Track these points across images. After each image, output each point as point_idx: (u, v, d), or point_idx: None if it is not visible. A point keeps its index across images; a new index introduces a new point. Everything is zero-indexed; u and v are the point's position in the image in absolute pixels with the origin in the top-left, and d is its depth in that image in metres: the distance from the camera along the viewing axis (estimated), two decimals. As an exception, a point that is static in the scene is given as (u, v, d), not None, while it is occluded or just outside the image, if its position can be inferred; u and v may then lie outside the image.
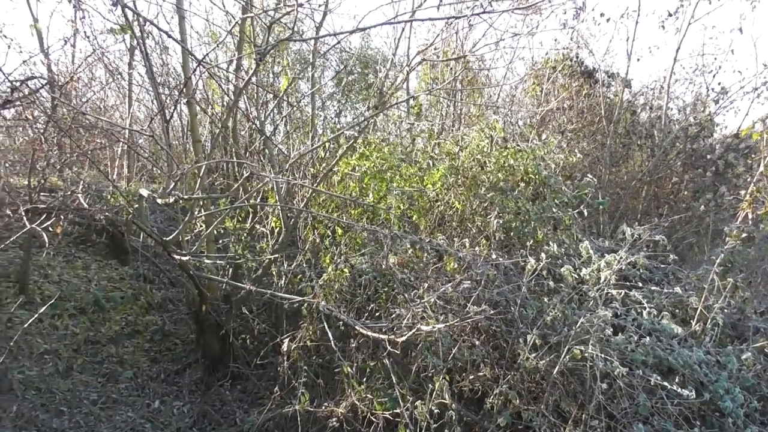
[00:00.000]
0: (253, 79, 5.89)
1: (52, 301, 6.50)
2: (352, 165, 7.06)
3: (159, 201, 4.05)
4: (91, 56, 7.22)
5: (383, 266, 4.82)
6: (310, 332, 4.59)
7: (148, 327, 7.24)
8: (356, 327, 3.94)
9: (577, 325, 4.03)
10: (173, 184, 3.98)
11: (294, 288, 6.33)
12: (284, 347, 4.46)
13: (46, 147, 6.74)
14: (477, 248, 5.73)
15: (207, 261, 5.30)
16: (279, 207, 6.46)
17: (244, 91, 6.41)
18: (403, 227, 6.28)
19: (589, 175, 5.75)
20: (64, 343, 6.35)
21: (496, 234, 5.77)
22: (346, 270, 4.93)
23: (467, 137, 6.58)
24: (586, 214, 5.78)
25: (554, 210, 5.81)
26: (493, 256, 5.48)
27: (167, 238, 4.68)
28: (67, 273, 7.53)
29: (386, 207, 6.02)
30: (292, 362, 4.59)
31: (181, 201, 4.07)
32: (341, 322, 4.26)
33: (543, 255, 4.90)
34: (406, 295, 4.67)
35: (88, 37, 6.31)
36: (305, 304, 4.73)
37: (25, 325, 5.97)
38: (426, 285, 4.46)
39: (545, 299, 4.71)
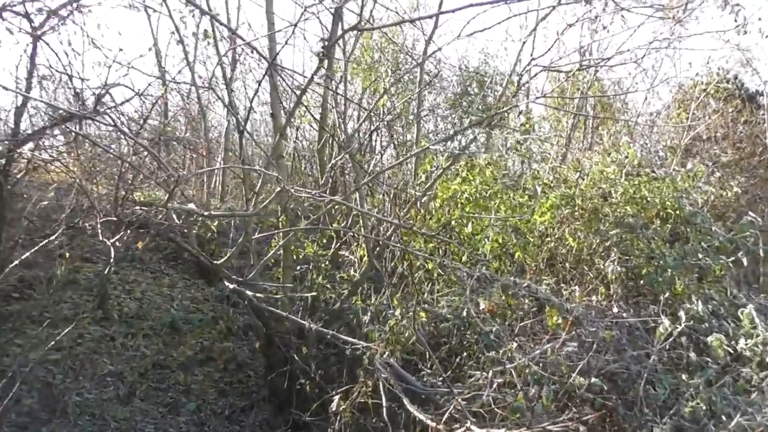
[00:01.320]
0: (319, 79, 5.23)
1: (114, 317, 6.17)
2: (452, 190, 6.16)
3: (202, 215, 3.43)
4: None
5: (469, 313, 3.85)
6: (368, 388, 3.71)
7: (223, 355, 6.73)
8: (405, 404, 3.01)
9: (732, 423, 2.80)
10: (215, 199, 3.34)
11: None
12: (334, 405, 3.62)
13: (134, 159, 6.52)
14: (593, 298, 4.57)
15: (264, 288, 4.62)
16: (362, 234, 5.70)
17: (332, 106, 5.79)
18: (505, 266, 5.26)
19: (751, 214, 4.40)
20: (131, 366, 5.97)
21: (620, 281, 4.58)
22: (423, 315, 4.01)
23: (589, 161, 5.44)
24: (745, 263, 4.42)
25: (700, 256, 4.51)
26: (614, 310, 4.31)
27: (218, 261, 4.05)
28: (152, 290, 7.27)
29: (480, 239, 5.04)
30: (345, 424, 3.73)
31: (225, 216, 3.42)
32: (397, 383, 3.34)
33: (682, 314, 3.69)
34: (489, 354, 3.67)
35: (181, 43, 6.01)
36: (368, 353, 3.86)
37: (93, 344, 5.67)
38: (514, 344, 3.42)
39: (683, 376, 3.48)
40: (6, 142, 5.38)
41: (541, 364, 3.52)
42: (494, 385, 3.41)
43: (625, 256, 4.62)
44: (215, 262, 4.04)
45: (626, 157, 5.50)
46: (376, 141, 7.94)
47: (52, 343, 5.48)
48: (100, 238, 5.75)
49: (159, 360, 6.20)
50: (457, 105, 9.96)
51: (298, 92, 4.53)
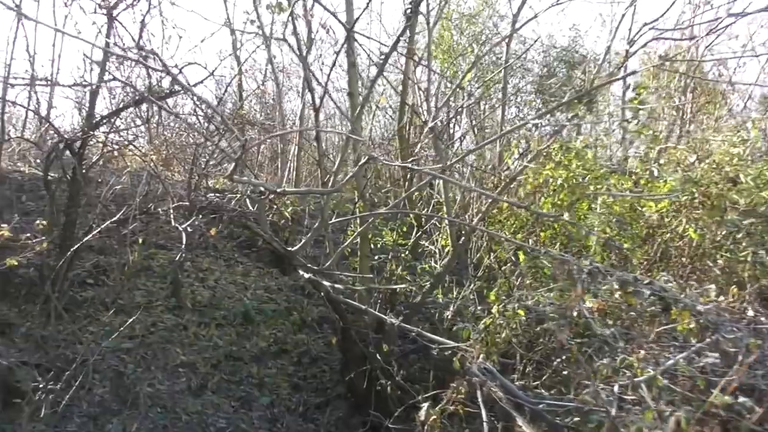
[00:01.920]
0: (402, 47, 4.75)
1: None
2: (544, 176, 5.58)
3: (274, 191, 3.05)
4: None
5: (574, 312, 3.31)
6: (460, 394, 3.23)
7: (297, 347, 6.42)
8: (518, 421, 2.51)
9: None
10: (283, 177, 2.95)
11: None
12: (422, 414, 3.16)
13: (209, 144, 6.29)
14: (721, 298, 3.91)
15: (341, 279, 4.22)
16: (447, 220, 5.23)
17: (413, 81, 5.33)
18: (608, 259, 4.65)
19: None
20: (203, 356, 5.75)
21: (754, 279, 3.89)
22: (521, 312, 3.50)
23: (711, 142, 4.73)
24: None
25: None
26: (749, 313, 3.65)
27: (293, 248, 3.68)
28: (225, 278, 7.06)
29: (587, 229, 4.46)
30: (433, 435, 3.27)
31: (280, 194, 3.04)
32: (501, 394, 2.85)
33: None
34: (605, 362, 3.12)
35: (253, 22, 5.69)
36: (458, 354, 3.40)
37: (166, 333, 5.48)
38: (642, 352, 2.86)
39: None
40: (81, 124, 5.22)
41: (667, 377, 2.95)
42: (615, 400, 2.87)
43: (760, 250, 3.93)
44: (289, 249, 3.67)
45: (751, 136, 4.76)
46: (454, 128, 7.40)
47: (125, 331, 5.37)
48: (173, 224, 5.53)
49: (232, 351, 5.96)
50: (545, 88, 9.24)
51: (376, 68, 4.11)
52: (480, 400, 2.86)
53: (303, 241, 3.69)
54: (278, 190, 2.93)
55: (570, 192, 5.26)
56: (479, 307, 4.45)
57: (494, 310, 3.39)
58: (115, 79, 5.21)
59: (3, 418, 4.32)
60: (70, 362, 4.98)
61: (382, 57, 3.67)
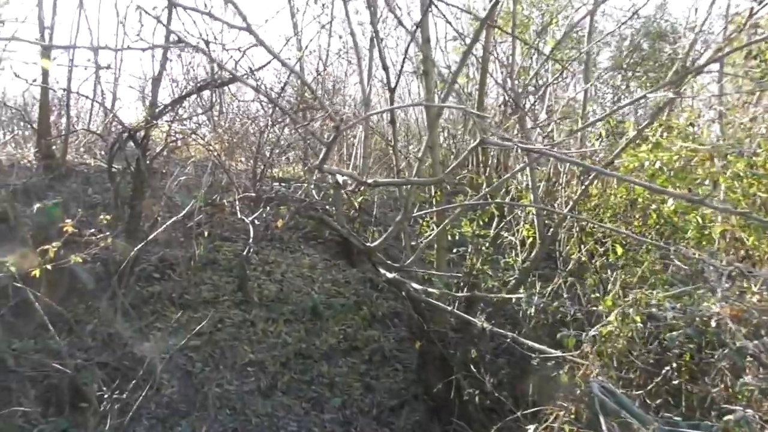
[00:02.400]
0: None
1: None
2: (641, 159, 5.01)
3: (364, 183, 2.68)
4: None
5: (709, 319, 2.80)
6: (573, 415, 2.78)
7: (368, 344, 6.08)
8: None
9: None
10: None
11: (547, 327, 4.58)
12: (529, 435, 2.73)
13: (273, 131, 6.00)
14: None
15: (420, 275, 3.82)
16: (534, 209, 4.74)
17: (495, 56, 4.83)
18: (728, 253, 4.06)
19: None
20: (272, 354, 5.48)
21: None
22: (637, 318, 3.00)
23: None
24: None
25: None
26: None
27: (372, 244, 3.30)
28: (292, 271, 6.77)
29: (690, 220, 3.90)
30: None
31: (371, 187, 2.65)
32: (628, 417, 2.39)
33: None
34: (750, 380, 2.61)
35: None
36: (566, 367, 2.94)
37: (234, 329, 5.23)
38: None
39: None
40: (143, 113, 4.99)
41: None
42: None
43: None
44: (368, 244, 3.29)
45: None
46: (538, 108, 6.82)
47: (192, 328, 5.17)
48: (239, 216, 5.27)
49: (301, 349, 5.67)
50: (630, 65, 8.48)
51: (456, 42, 3.66)
52: (604, 427, 2.40)
53: (384, 235, 3.30)
54: (369, 182, 2.53)
55: (674, 176, 4.68)
56: (576, 307, 3.95)
57: (612, 317, 2.90)
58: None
59: (70, 421, 4.16)
60: (137, 361, 4.80)
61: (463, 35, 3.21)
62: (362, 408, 5.32)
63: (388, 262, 3.53)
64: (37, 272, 3.97)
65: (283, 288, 6.40)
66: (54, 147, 7.29)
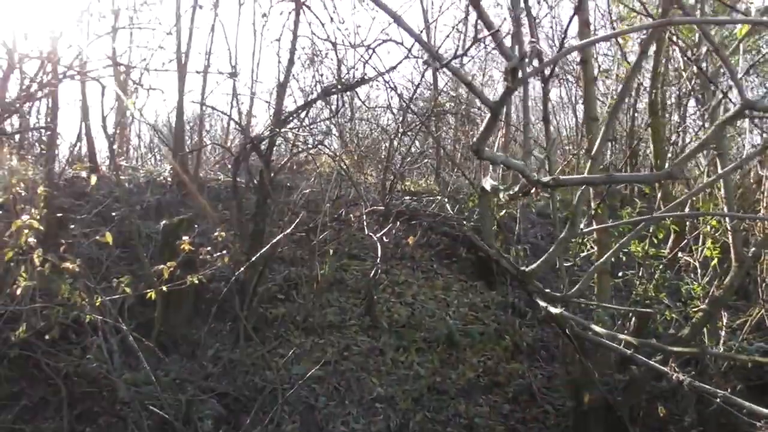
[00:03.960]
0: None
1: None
2: None
3: (501, 195, 2.00)
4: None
5: None
6: None
7: (511, 380, 5.27)
8: None
9: None
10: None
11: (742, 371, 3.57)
12: None
13: (403, 139, 5.45)
14: None
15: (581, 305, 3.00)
16: (727, 223, 3.74)
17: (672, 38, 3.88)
18: None
19: None
20: (403, 389, 4.87)
21: None
22: None
23: None
24: None
25: None
26: None
27: (527, 268, 2.57)
28: (424, 293, 6.15)
29: None
30: None
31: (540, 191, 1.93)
32: None
33: None
34: None
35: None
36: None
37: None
38: None
39: None
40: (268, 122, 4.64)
41: None
42: None
43: None
44: (523, 268, 2.57)
45: None
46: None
47: (317, 355, 4.71)
48: (366, 232, 4.74)
49: (435, 383, 5.00)
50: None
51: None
52: None
53: (544, 257, 2.56)
54: (546, 180, 1.83)
55: None
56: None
57: None
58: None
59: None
60: (258, 391, 4.41)
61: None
62: (507, 457, 4.54)
63: (547, 290, 2.78)
64: (152, 294, 3.68)
65: (415, 312, 5.79)
66: (189, 164, 7.30)
